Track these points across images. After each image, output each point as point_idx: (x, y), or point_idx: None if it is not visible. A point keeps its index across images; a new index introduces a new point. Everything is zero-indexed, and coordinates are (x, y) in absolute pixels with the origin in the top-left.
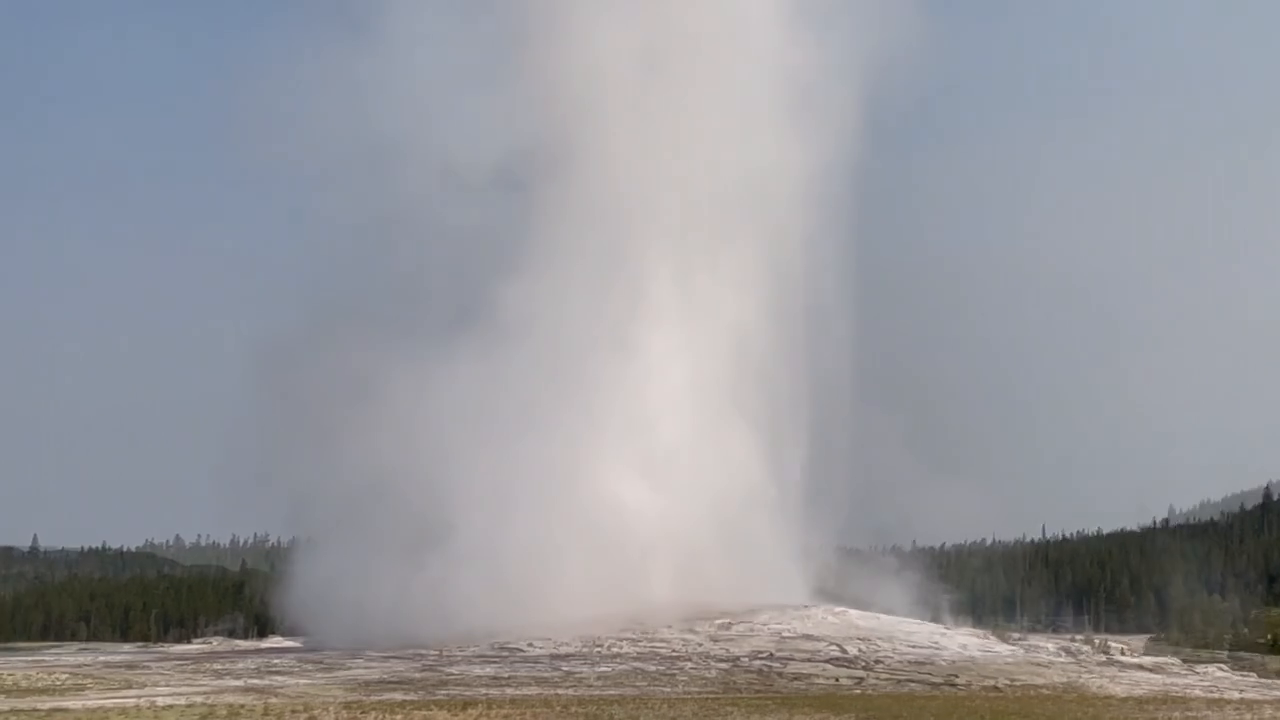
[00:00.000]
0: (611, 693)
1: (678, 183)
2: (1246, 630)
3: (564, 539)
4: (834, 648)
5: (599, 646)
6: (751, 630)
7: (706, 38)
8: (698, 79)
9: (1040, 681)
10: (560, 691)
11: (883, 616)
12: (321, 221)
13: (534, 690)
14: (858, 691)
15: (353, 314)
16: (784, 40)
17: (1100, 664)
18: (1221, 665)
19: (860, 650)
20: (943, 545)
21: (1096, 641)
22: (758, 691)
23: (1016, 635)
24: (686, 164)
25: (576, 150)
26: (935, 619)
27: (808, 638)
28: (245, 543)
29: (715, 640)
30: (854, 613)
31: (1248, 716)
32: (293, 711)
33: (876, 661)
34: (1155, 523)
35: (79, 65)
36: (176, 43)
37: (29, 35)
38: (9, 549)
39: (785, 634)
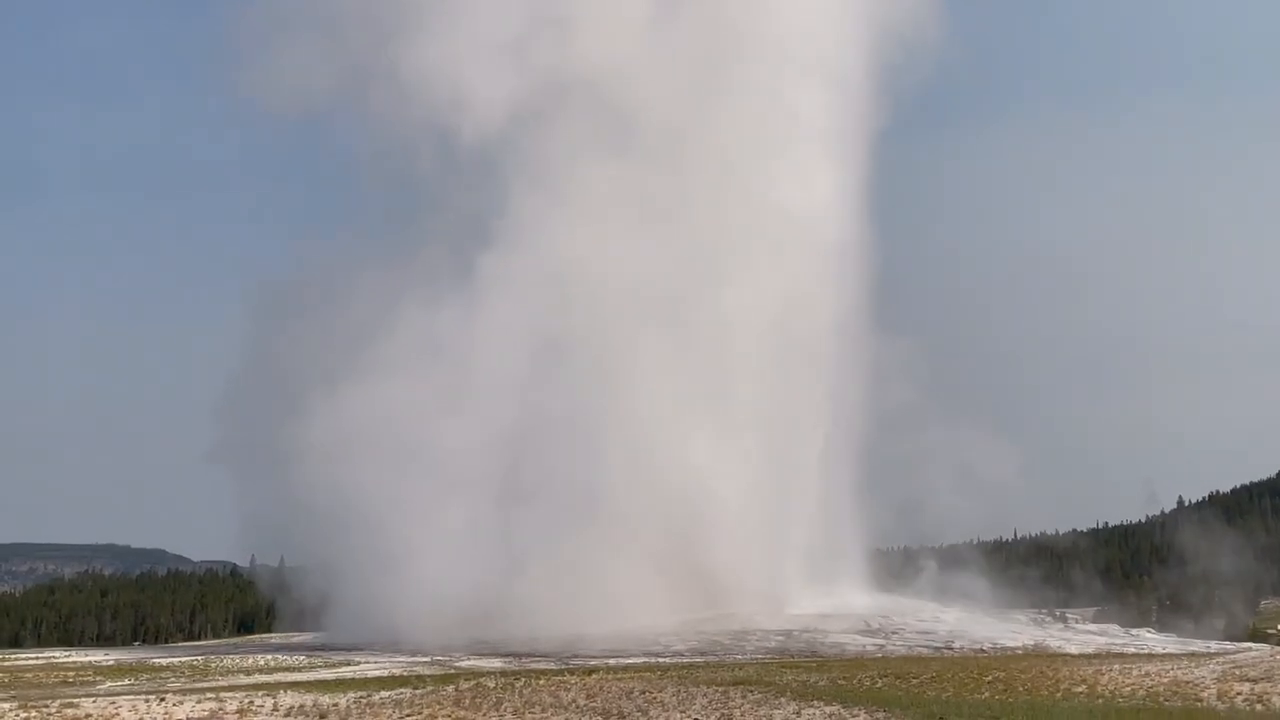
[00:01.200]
0: (698, 660)
1: (689, 133)
2: (1253, 623)
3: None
4: (862, 622)
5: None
6: (799, 609)
7: None
8: (714, 33)
9: (1015, 644)
10: (661, 660)
11: (897, 598)
12: (337, 161)
13: (640, 659)
14: (880, 655)
15: (363, 251)
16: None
17: (1059, 630)
18: (1150, 629)
19: (881, 624)
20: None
21: (1057, 613)
22: (805, 656)
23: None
24: (703, 112)
25: (591, 87)
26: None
27: (843, 615)
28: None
29: (771, 617)
30: (877, 595)
31: (1169, 666)
32: (466, 677)
33: (893, 632)
34: (1164, 513)
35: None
36: None
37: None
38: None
39: (826, 613)
